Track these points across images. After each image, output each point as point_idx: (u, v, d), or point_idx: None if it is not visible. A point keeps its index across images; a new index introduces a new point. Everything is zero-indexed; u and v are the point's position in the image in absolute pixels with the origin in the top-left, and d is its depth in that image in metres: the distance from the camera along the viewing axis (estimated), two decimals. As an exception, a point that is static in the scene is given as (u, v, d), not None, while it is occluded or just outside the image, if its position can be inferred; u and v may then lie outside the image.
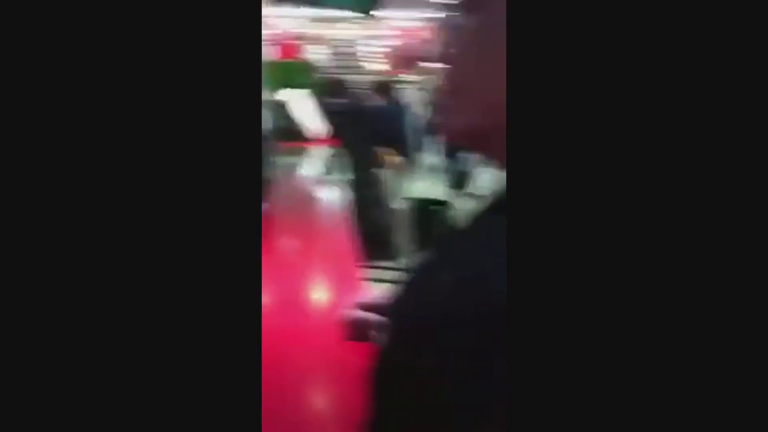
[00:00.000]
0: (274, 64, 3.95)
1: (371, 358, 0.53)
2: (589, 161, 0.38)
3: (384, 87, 4.08)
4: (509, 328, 0.38)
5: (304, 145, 3.50)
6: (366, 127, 3.47)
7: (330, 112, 3.76)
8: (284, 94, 3.64)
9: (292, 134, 3.47)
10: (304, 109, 3.67)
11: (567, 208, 0.38)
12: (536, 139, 0.39)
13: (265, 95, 3.17)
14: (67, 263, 0.40)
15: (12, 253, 0.39)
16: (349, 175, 3.30)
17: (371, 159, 3.39)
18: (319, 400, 1.41)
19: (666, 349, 0.35)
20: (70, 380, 0.41)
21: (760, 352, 0.32)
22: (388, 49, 8.35)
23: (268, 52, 4.35)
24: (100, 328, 0.41)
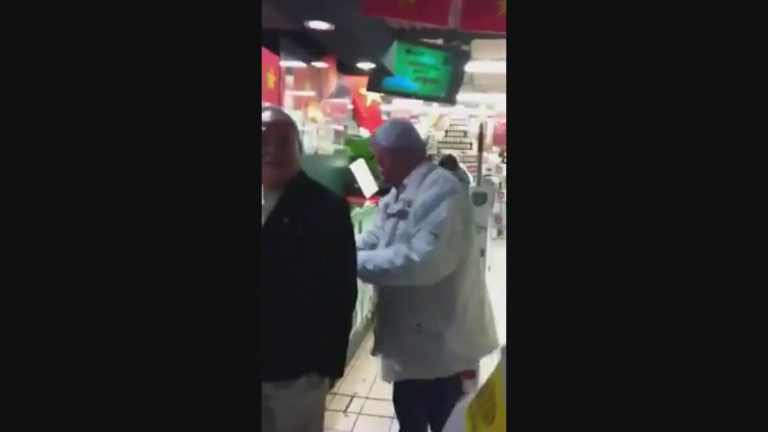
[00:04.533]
0: (353, 141, 5.24)
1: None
2: (588, 162, 0.37)
3: (451, 160, 5.78)
4: (509, 326, 0.37)
5: (362, 200, 4.65)
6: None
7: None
8: (354, 164, 4.83)
9: (356, 191, 4.73)
10: (364, 174, 4.87)
11: (565, 211, 0.36)
12: (536, 139, 0.38)
13: (344, 163, 4.75)
14: (72, 265, 0.41)
15: (12, 250, 0.39)
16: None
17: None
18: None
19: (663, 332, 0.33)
20: (83, 375, 0.40)
21: (747, 348, 0.30)
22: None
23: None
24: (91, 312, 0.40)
